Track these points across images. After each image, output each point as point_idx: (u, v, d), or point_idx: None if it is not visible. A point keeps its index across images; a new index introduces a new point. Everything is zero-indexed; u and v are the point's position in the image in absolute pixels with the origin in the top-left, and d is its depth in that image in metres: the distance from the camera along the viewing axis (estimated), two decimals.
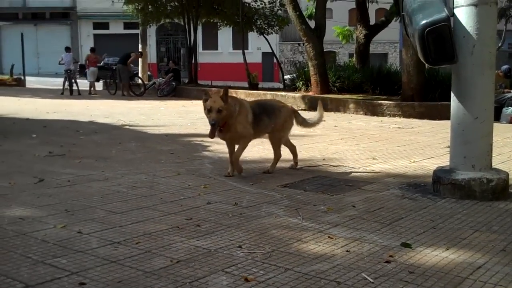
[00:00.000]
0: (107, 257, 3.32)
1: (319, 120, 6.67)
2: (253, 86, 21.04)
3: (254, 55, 40.56)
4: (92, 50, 24.67)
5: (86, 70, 23.63)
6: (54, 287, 2.86)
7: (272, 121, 6.01)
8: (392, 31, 31.85)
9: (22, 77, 26.73)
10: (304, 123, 6.52)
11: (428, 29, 4.60)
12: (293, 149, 6.46)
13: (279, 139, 6.21)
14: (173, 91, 22.00)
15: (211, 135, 5.48)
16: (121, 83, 22.31)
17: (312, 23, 17.38)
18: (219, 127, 5.48)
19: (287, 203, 4.76)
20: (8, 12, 45.50)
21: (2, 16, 45.39)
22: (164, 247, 3.54)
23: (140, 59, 26.98)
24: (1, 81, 26.67)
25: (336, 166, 6.57)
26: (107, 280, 2.96)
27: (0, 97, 18.29)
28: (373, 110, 14.06)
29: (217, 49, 45.43)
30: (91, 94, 22.28)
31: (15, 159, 6.67)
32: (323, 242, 3.71)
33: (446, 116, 6.09)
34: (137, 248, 3.49)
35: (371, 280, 3.04)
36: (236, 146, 5.84)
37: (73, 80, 22.00)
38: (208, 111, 5.41)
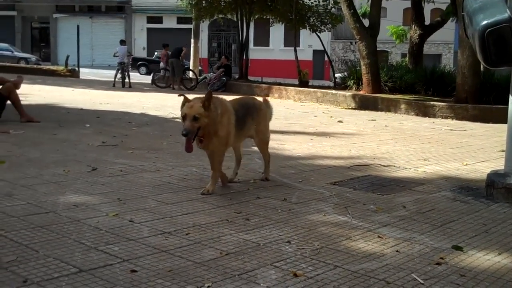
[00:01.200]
0: (158, 246, 3.36)
1: None
2: (304, 84, 21.01)
3: (305, 52, 40.44)
4: (165, 45, 24.66)
5: (162, 64, 23.60)
6: (106, 273, 2.92)
7: (255, 122, 5.22)
8: (447, 31, 31.34)
9: (77, 69, 27.24)
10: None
11: (489, 30, 4.49)
12: (239, 158, 5.53)
13: (266, 141, 5.46)
14: (224, 86, 22.13)
15: (188, 148, 4.51)
16: (173, 77, 22.54)
17: (366, 22, 17.23)
18: (198, 137, 4.60)
19: (336, 201, 4.74)
20: (65, 5, 46.53)
21: (59, 8, 46.45)
22: (214, 239, 3.57)
23: (192, 54, 27.19)
24: (56, 71, 27.26)
25: (387, 166, 6.51)
26: (158, 268, 3.01)
27: (56, 87, 18.71)
28: (425, 111, 13.86)
29: (268, 45, 45.46)
30: (173, 88, 22.30)
31: (69, 148, 6.82)
32: (372, 241, 3.69)
33: (501, 120, 5.97)
34: (187, 239, 3.53)
35: (421, 281, 3.01)
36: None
37: (125, 73, 22.32)
38: (182, 118, 4.51)
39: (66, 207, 4.15)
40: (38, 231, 3.55)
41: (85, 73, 29.17)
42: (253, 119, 5.18)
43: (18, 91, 9.22)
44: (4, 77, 9.84)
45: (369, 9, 18.52)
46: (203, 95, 4.57)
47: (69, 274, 2.87)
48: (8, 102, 9.09)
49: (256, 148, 5.64)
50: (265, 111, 5.39)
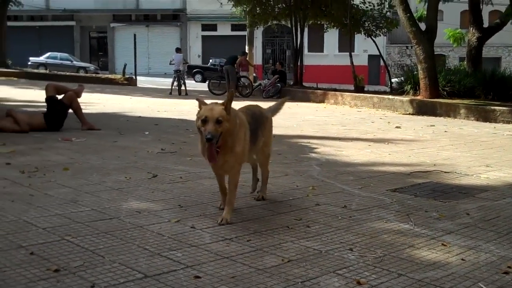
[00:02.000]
0: (220, 252, 3.38)
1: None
2: (359, 89, 20.86)
3: (360, 57, 40.17)
4: (243, 53, 24.77)
5: (238, 73, 23.45)
6: (170, 278, 2.95)
7: (263, 134, 4.63)
8: (507, 34, 30.49)
9: (134, 77, 27.74)
10: None
11: None
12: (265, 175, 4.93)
13: (268, 155, 4.93)
14: (279, 93, 22.15)
15: (212, 157, 3.87)
16: (228, 84, 22.72)
17: (422, 25, 16.97)
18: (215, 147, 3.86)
19: (397, 208, 4.67)
20: (122, 14, 47.53)
21: (116, 18, 47.47)
22: (275, 245, 3.57)
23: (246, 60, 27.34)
24: (114, 80, 27.82)
25: (448, 172, 6.38)
26: (221, 275, 3.02)
27: (114, 96, 19.11)
28: (486, 116, 13.55)
29: (322, 51, 45.32)
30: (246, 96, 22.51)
31: (130, 155, 6.94)
32: (436, 249, 3.61)
33: None
34: (249, 246, 3.54)
35: None
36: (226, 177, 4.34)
37: (181, 80, 22.60)
38: (202, 121, 3.78)
39: (129, 213, 4.23)
40: (103, 237, 3.62)
41: (142, 81, 29.68)
42: (261, 131, 4.57)
43: (79, 100, 9.46)
44: (65, 86, 10.11)
45: (425, 13, 18.26)
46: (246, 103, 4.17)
47: (135, 279, 2.92)
48: (70, 110, 9.32)
49: (314, 155, 5.60)
50: (271, 120, 4.88)
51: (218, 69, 28.99)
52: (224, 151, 3.96)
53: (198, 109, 3.87)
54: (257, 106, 4.80)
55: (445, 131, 11.02)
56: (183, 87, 22.50)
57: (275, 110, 5.03)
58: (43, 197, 4.65)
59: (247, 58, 25.62)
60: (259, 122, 4.54)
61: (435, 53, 17.17)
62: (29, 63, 38.50)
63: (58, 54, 40.43)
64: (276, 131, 10.23)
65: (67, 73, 30.14)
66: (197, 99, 4.04)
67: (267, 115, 4.79)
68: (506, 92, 15.68)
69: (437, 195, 5.18)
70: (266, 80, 23.61)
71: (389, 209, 4.64)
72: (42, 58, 39.77)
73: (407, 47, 43.42)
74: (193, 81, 25.14)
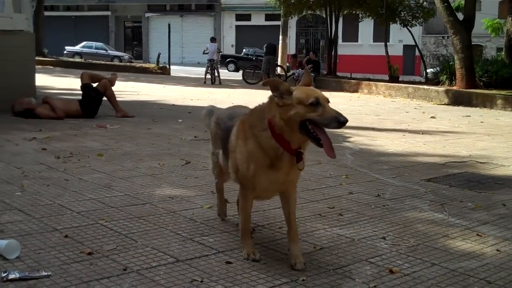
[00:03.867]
0: (254, 239, 3.37)
1: None
2: (394, 79, 20.64)
3: (395, 47, 39.68)
4: (294, 56, 25.62)
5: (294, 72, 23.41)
6: (202, 263, 2.96)
7: None
8: None
9: (167, 66, 27.89)
10: None
11: None
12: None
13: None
14: (312, 82, 22.04)
15: (333, 151, 2.80)
16: (263, 73, 22.71)
17: (459, 15, 16.70)
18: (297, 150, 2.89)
19: (431, 198, 4.61)
20: (157, 4, 47.76)
21: (151, 7, 47.73)
22: (307, 233, 3.55)
23: (280, 50, 27.26)
24: (148, 69, 28.02)
25: (484, 163, 6.28)
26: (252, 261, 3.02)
27: (148, 84, 19.23)
28: None
29: (357, 41, 44.91)
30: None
31: (163, 142, 6.98)
32: (471, 240, 3.56)
33: None
34: (280, 233, 3.53)
35: None
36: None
37: (215, 70, 22.64)
38: (310, 105, 2.74)
39: (162, 199, 4.25)
40: (136, 222, 3.65)
41: (176, 70, 29.81)
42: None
43: (113, 88, 9.54)
44: (100, 74, 10.21)
45: (463, 2, 17.98)
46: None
47: (167, 263, 2.93)
48: (104, 98, 9.41)
49: (348, 144, 5.55)
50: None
51: (253, 59, 28.94)
52: (299, 157, 2.92)
53: (279, 95, 2.81)
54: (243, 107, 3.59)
55: (481, 122, 10.84)
56: (217, 76, 22.54)
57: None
58: (78, 182, 4.70)
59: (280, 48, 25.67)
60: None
61: (472, 43, 16.89)
62: (65, 52, 39.03)
63: (94, 44, 40.87)
64: None
65: (102, 62, 30.45)
66: (267, 82, 2.88)
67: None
68: None
69: (472, 186, 5.10)
70: (300, 69, 23.48)
71: (423, 198, 4.59)
72: (77, 47, 40.25)
73: (443, 37, 42.82)
74: (226, 71, 25.25)
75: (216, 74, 22.57)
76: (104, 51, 40.43)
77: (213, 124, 3.52)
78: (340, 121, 2.71)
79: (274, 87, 2.81)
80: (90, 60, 32.10)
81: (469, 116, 11.98)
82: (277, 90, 2.81)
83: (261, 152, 2.87)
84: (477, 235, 3.66)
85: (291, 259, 2.98)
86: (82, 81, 9.41)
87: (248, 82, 22.91)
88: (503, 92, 14.78)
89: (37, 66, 12.34)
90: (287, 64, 27.40)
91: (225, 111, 3.50)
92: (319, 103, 2.74)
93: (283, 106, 2.78)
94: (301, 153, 2.89)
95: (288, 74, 24.15)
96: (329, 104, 2.80)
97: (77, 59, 34.43)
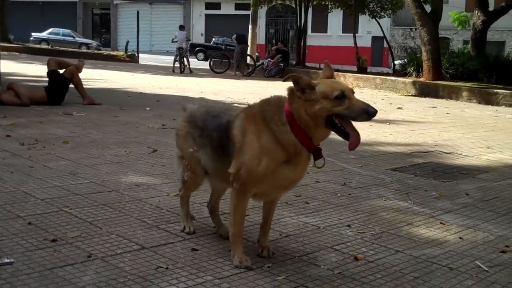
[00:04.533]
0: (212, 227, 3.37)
1: None
2: (362, 70, 20.77)
3: (363, 39, 39.87)
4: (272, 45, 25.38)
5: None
6: (167, 250, 2.95)
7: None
8: None
9: (136, 54, 27.63)
10: None
11: None
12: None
13: None
14: (281, 72, 22.08)
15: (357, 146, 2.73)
16: (236, 63, 22.64)
17: (427, 8, 16.85)
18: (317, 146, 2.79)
19: (397, 187, 4.67)
20: None
21: None
22: (274, 221, 3.52)
23: (249, 40, 27.20)
24: (116, 57, 27.72)
25: (449, 153, 6.37)
26: (218, 248, 3.03)
27: (116, 72, 19.03)
28: (488, 99, 13.52)
29: (326, 32, 45.03)
30: (235, 74, 22.42)
31: (130, 130, 6.93)
32: (434, 228, 3.62)
33: None
34: (247, 220, 3.50)
35: (486, 269, 2.94)
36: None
37: (184, 58, 22.49)
38: (336, 99, 2.60)
39: (128, 187, 4.22)
40: (101, 209, 3.62)
41: (144, 58, 29.54)
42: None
43: (80, 75, 9.42)
44: (67, 61, 10.07)
45: None
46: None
47: (132, 250, 2.92)
48: (71, 85, 9.29)
49: None
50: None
51: (222, 48, 28.78)
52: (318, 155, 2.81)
53: (300, 90, 2.67)
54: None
55: (447, 113, 10.99)
56: (186, 65, 22.39)
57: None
58: (42, 169, 4.64)
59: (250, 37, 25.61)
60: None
61: (439, 36, 17.09)
62: (31, 38, 38.30)
63: (61, 30, 40.22)
64: None
65: (69, 49, 30.02)
66: (288, 77, 2.73)
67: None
68: (509, 76, 15.63)
69: (437, 175, 5.17)
70: (269, 59, 23.47)
71: (388, 187, 4.64)
72: (44, 34, 39.55)
73: (411, 29, 43.14)
74: (195, 59, 25.11)
75: (185, 62, 22.41)
76: (72, 38, 39.83)
77: (182, 123, 3.20)
78: (369, 112, 2.58)
79: (295, 81, 2.66)
80: (57, 47, 31.59)
81: (435, 107, 12.13)
82: (297, 84, 2.66)
83: (279, 147, 2.69)
84: (441, 223, 3.71)
85: (259, 248, 2.98)
86: (48, 67, 9.27)
87: (215, 71, 22.82)
88: (468, 84, 14.99)
89: (2, 53, 12.14)
90: (257, 53, 27.36)
91: (200, 109, 3.23)
92: (345, 96, 2.60)
93: (307, 101, 2.64)
94: (320, 150, 2.78)
95: (257, 64, 24.13)
96: (355, 95, 2.67)
97: (44, 46, 33.88)
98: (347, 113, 2.61)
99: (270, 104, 2.81)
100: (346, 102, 2.60)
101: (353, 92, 2.67)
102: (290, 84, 2.71)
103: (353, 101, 2.61)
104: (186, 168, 3.13)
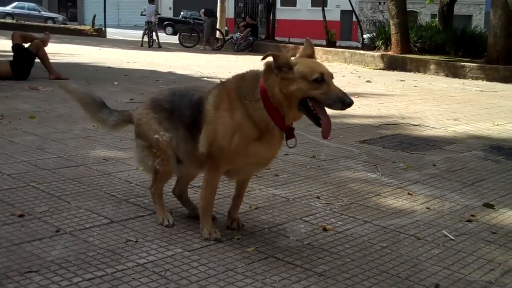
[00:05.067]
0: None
1: None
2: (331, 44, 20.79)
3: (332, 12, 39.92)
4: (243, 19, 24.79)
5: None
6: (137, 224, 2.94)
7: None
8: None
9: (103, 28, 27.25)
10: None
11: None
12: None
13: None
14: (250, 46, 22.01)
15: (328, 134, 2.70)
16: (206, 36, 22.46)
17: None
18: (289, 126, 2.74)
19: (365, 159, 4.71)
20: None
21: None
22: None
23: (218, 14, 26.99)
24: (83, 31, 27.32)
25: (416, 125, 6.44)
26: (187, 221, 3.03)
27: (83, 47, 18.74)
28: (455, 72, 13.66)
29: (295, 5, 44.93)
30: (204, 48, 22.23)
31: None
32: (402, 198, 3.66)
33: None
34: (217, 194, 3.52)
35: (452, 238, 2.99)
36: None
37: (153, 32, 22.23)
38: (314, 82, 2.52)
39: (96, 161, 4.19)
40: (70, 184, 3.59)
41: (112, 33, 29.16)
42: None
43: (46, 49, 9.25)
44: (32, 34, 9.87)
45: None
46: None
47: (101, 224, 2.90)
48: (37, 60, 9.12)
49: None
50: None
51: (191, 22, 28.49)
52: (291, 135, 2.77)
53: (277, 67, 2.57)
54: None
55: (415, 86, 11.08)
56: (155, 39, 22.14)
57: None
58: (8, 144, 4.57)
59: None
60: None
61: (408, 9, 17.16)
62: None
63: (26, 4, 39.43)
64: None
65: (35, 24, 29.44)
66: (271, 54, 2.62)
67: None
68: (476, 49, 15.82)
69: (404, 147, 5.23)
70: (238, 33, 23.34)
71: (357, 159, 4.68)
72: (8, 8, 38.73)
73: (380, 3, 43.25)
74: (164, 34, 24.84)
75: (154, 37, 22.16)
76: (37, 12, 39.10)
77: (143, 111, 3.00)
78: (345, 102, 2.50)
79: (273, 58, 2.57)
80: (22, 22, 30.96)
81: (403, 80, 12.22)
82: (275, 61, 2.56)
83: (250, 124, 2.63)
84: (408, 193, 3.77)
85: (228, 220, 2.98)
86: (13, 41, 9.08)
87: (184, 45, 22.63)
88: (436, 58, 15.13)
89: None
90: (226, 28, 27.18)
91: (162, 92, 3.09)
92: (324, 80, 2.51)
93: (283, 80, 2.55)
94: (293, 129, 2.72)
95: (227, 38, 23.99)
96: (333, 81, 2.57)
97: (8, 20, 33.16)
98: (323, 99, 2.53)
99: (245, 79, 2.73)
100: (324, 86, 2.52)
101: (332, 78, 2.58)
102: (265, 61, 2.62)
103: (331, 87, 2.53)
104: (155, 156, 2.90)
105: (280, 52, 2.69)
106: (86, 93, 3.26)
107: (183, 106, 2.86)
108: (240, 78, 2.75)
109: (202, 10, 23.42)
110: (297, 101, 2.56)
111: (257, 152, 2.69)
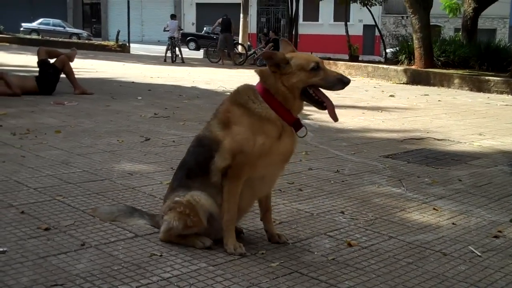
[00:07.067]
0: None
1: None
2: (354, 58, 20.77)
3: (355, 27, 39.84)
4: (265, 35, 24.97)
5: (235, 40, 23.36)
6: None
7: None
8: (503, 5, 30.40)
9: (127, 44, 27.52)
10: None
11: None
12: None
13: None
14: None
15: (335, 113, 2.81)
16: (221, 51, 22.57)
17: None
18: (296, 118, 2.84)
19: (390, 173, 4.67)
20: None
21: None
22: None
23: (241, 29, 27.13)
24: (107, 47, 27.62)
25: (441, 140, 6.38)
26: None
27: (107, 62, 18.94)
28: (479, 86, 13.54)
29: (317, 20, 44.95)
30: (223, 63, 22.30)
31: (123, 119, 6.90)
32: (427, 213, 3.63)
33: None
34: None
35: (479, 254, 2.94)
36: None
37: (176, 48, 22.40)
38: (312, 70, 2.71)
39: (121, 175, 4.21)
40: (95, 197, 3.61)
41: (135, 48, 29.44)
42: None
43: (71, 64, 9.37)
44: (57, 50, 10.01)
45: None
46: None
47: (126, 238, 2.91)
48: (62, 75, 9.24)
49: (308, 121, 5.54)
50: None
51: (214, 37, 28.70)
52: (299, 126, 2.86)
53: (274, 65, 2.74)
54: None
55: (439, 101, 11.00)
56: (178, 54, 22.29)
57: None
58: (35, 158, 4.62)
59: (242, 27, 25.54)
60: None
61: (431, 23, 17.09)
62: (21, 29, 38.00)
63: (51, 20, 39.93)
64: None
65: (60, 39, 29.83)
66: (263, 53, 2.85)
67: None
68: (500, 63, 15.67)
69: (429, 162, 5.19)
70: (261, 48, 23.42)
71: (381, 174, 4.65)
72: (34, 24, 39.26)
73: (402, 17, 43.10)
74: (187, 49, 25.04)
75: (177, 52, 22.33)
76: (62, 28, 39.59)
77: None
78: (344, 81, 2.71)
79: (268, 58, 2.75)
80: (48, 38, 31.40)
81: (427, 94, 12.14)
82: (271, 60, 2.73)
83: (268, 123, 2.73)
84: (434, 209, 3.73)
85: (274, 236, 2.98)
86: (39, 56, 9.21)
87: (211, 60, 22.82)
88: (460, 72, 15.02)
89: None
90: (248, 43, 27.30)
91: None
92: (320, 67, 2.72)
93: (283, 75, 2.73)
94: (299, 120, 2.83)
95: (249, 52, 24.08)
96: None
97: (34, 36, 33.66)
98: (323, 84, 2.73)
99: (239, 92, 2.84)
100: (321, 73, 2.72)
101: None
102: None
103: (328, 72, 2.74)
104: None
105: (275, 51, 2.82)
106: (111, 212, 3.24)
107: (200, 150, 2.91)
108: (234, 94, 2.87)
109: (219, 20, 23.46)
110: (299, 91, 2.74)
111: (279, 149, 2.76)
